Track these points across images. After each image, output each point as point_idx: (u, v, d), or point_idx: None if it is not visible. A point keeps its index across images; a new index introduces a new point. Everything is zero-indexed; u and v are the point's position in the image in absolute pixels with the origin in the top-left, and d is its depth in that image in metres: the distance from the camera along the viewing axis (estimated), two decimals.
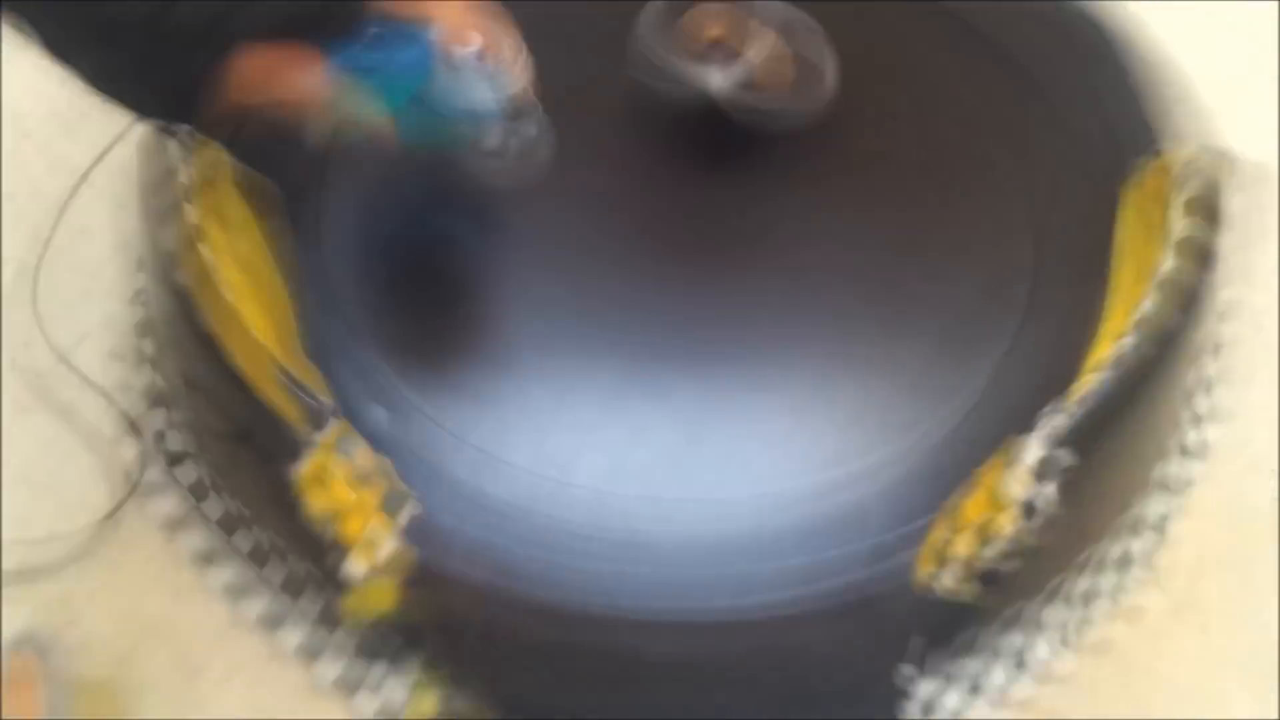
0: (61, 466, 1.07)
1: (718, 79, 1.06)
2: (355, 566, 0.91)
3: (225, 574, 1.03)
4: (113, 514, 1.03)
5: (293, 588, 1.00)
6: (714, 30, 1.06)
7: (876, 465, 0.98)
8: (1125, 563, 1.02)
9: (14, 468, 1.07)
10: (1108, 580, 1.02)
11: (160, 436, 1.06)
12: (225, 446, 0.99)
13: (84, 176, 1.10)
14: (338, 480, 0.91)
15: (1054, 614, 0.99)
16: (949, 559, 0.91)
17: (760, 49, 1.05)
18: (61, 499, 1.06)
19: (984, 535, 0.90)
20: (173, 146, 1.01)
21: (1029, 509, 0.89)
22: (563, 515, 0.96)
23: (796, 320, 1.05)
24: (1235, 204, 0.99)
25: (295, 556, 0.99)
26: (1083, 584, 0.99)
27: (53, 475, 1.07)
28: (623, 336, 1.06)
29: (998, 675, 0.97)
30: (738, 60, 1.05)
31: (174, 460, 1.05)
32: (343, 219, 1.08)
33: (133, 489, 1.05)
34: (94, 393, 1.10)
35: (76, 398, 1.10)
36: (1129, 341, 0.93)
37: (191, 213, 1.00)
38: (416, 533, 0.92)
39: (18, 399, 1.09)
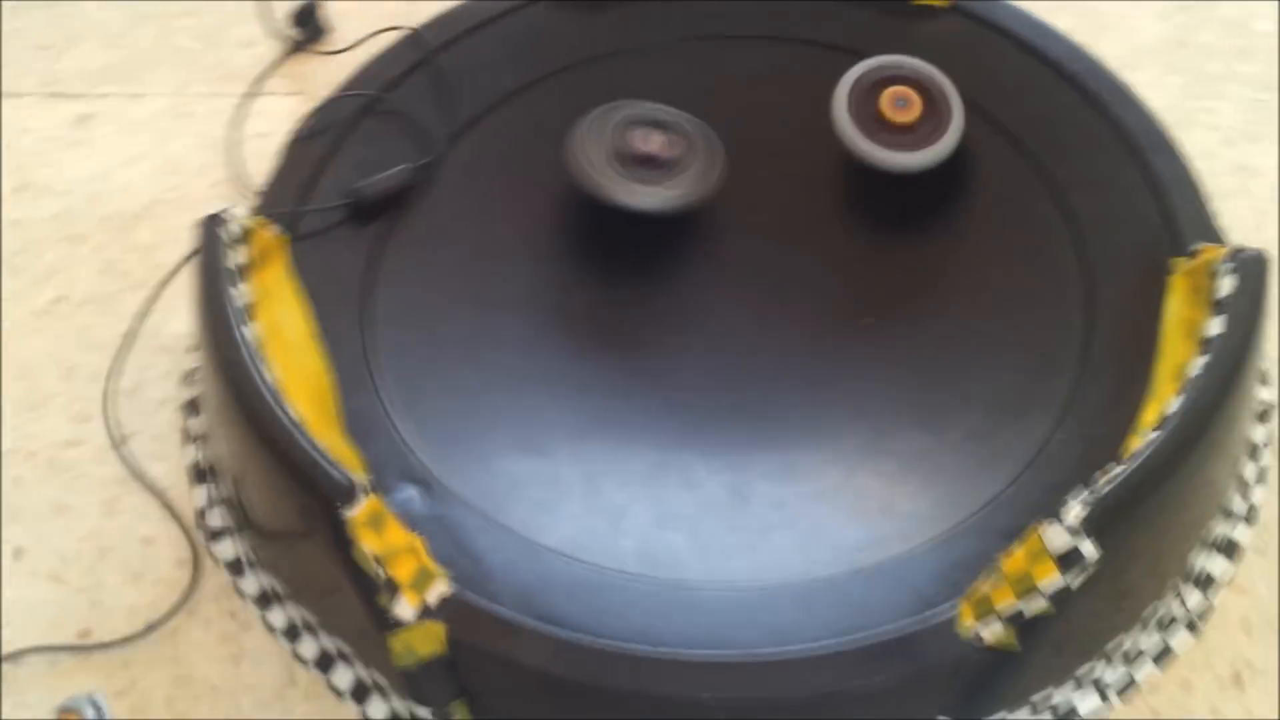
0: (132, 539, 1.09)
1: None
2: (405, 608, 0.91)
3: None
4: (180, 606, 1.05)
5: (324, 663, 1.00)
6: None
7: (923, 525, 0.99)
8: (1170, 623, 1.01)
9: (87, 538, 1.09)
10: (1151, 640, 1.00)
11: (201, 514, 1.07)
12: (268, 516, 1.00)
13: (174, 270, 1.14)
14: (392, 523, 0.93)
15: (1096, 671, 0.97)
16: (990, 610, 0.90)
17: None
18: (130, 570, 1.08)
19: (1024, 587, 0.90)
20: (228, 229, 1.03)
21: (1069, 562, 0.88)
22: (610, 562, 0.98)
23: (849, 388, 1.07)
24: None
25: (327, 631, 0.99)
26: (1126, 642, 0.97)
27: (123, 547, 1.09)
28: (663, 416, 1.07)
29: None
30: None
31: (213, 537, 1.06)
32: (389, 302, 1.10)
33: (192, 582, 1.07)
34: (166, 467, 1.13)
35: (156, 475, 1.12)
36: (1152, 436, 0.93)
37: (243, 292, 1.02)
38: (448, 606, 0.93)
39: (115, 475, 1.13)
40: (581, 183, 1.12)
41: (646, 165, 1.11)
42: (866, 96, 1.14)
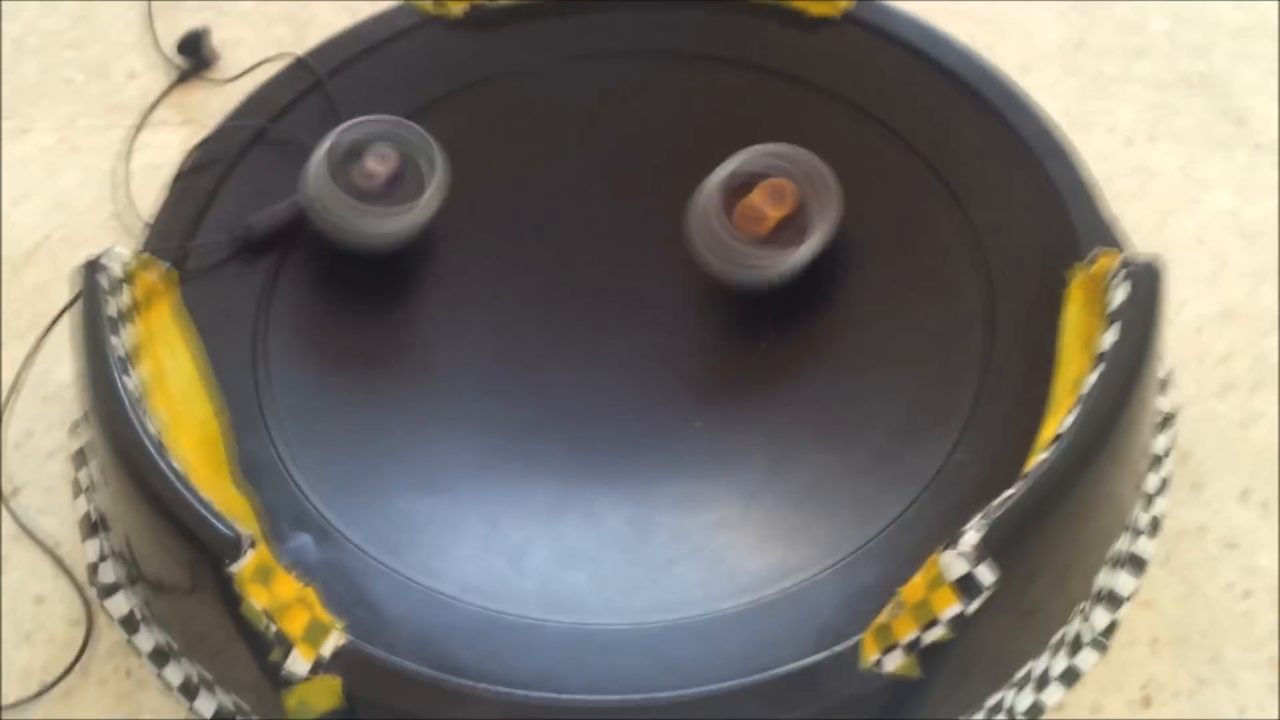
0: (23, 598, 1.06)
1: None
2: (298, 663, 0.89)
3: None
4: (73, 666, 1.03)
5: None
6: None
7: (825, 551, 0.98)
8: (1077, 643, 1.00)
9: None
10: (1059, 663, 0.99)
11: (93, 569, 1.05)
12: (158, 570, 0.98)
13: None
14: (281, 575, 0.91)
15: (1006, 698, 0.96)
16: (892, 640, 0.89)
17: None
18: (22, 630, 1.05)
19: (924, 616, 0.88)
20: (109, 273, 1.01)
21: (966, 588, 0.87)
22: (510, 605, 0.96)
23: (750, 413, 1.06)
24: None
25: (223, 688, 0.97)
26: (1035, 667, 0.97)
27: (13, 607, 1.06)
28: (563, 449, 1.06)
29: None
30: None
31: (106, 592, 1.04)
32: (282, 340, 1.08)
33: (86, 641, 1.05)
34: (57, 520, 1.10)
35: (47, 530, 1.10)
36: (1044, 456, 0.92)
37: (127, 337, 1.00)
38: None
39: (4, 531, 1.10)
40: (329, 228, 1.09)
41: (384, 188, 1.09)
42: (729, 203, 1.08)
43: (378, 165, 1.08)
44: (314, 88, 1.22)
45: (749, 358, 1.08)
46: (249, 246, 1.12)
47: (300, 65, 1.23)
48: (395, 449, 1.05)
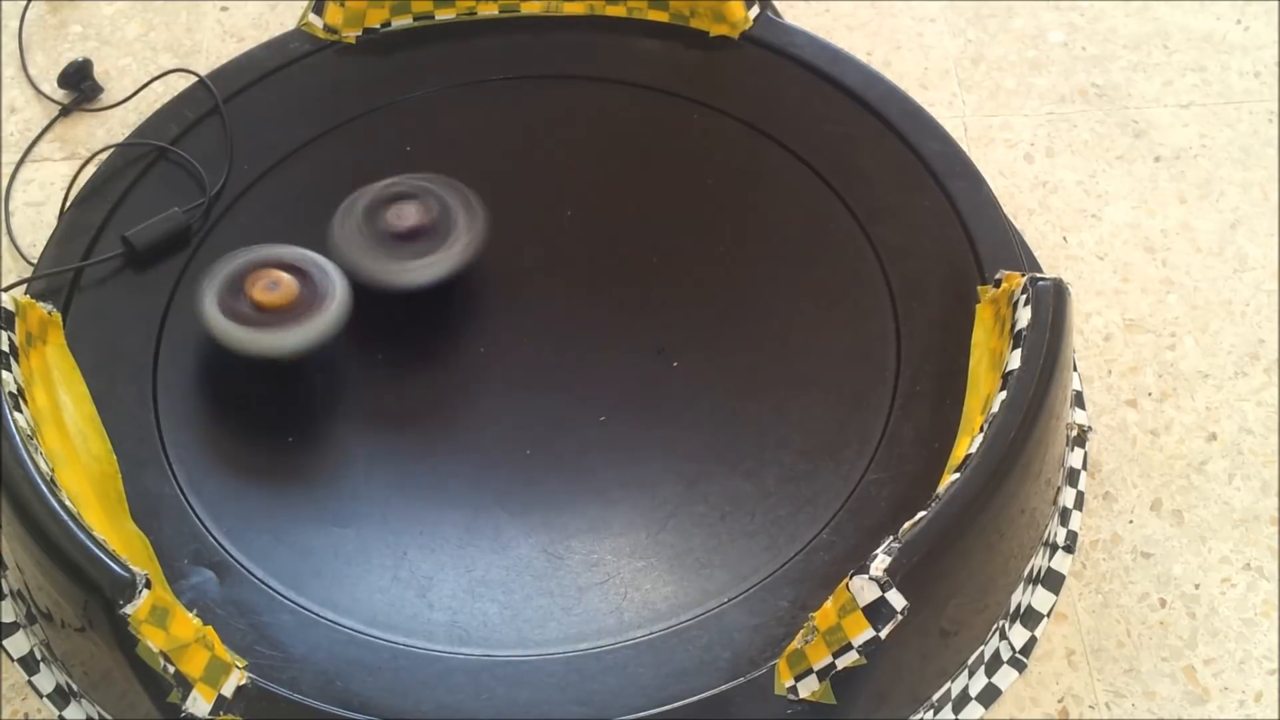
0: None
1: None
2: (199, 704, 0.87)
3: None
4: None
5: None
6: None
7: (737, 577, 0.96)
8: (995, 662, 0.99)
9: None
10: (978, 682, 0.98)
11: None
12: (55, 610, 0.94)
13: None
14: (179, 614, 0.88)
15: (922, 719, 0.95)
16: (806, 666, 0.88)
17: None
18: None
19: (837, 641, 0.87)
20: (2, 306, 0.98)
21: (877, 613, 0.86)
22: (418, 639, 0.94)
23: (661, 436, 1.04)
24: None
25: None
26: (954, 687, 0.96)
27: None
28: (472, 476, 1.03)
29: None
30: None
31: (5, 632, 1.01)
32: (177, 373, 1.05)
33: None
34: None
35: None
36: (954, 478, 0.91)
37: (17, 373, 0.97)
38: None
39: None
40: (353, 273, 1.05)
41: (410, 240, 1.06)
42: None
43: (400, 220, 1.06)
44: (209, 114, 1.19)
45: (659, 380, 1.06)
46: (134, 262, 1.09)
47: (191, 94, 1.20)
48: (298, 481, 1.02)
